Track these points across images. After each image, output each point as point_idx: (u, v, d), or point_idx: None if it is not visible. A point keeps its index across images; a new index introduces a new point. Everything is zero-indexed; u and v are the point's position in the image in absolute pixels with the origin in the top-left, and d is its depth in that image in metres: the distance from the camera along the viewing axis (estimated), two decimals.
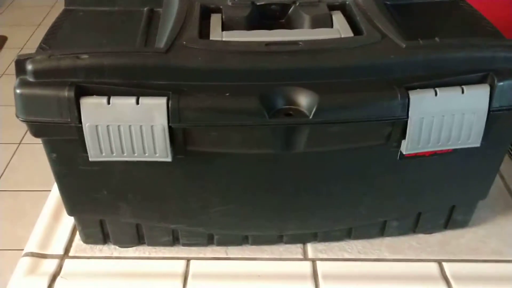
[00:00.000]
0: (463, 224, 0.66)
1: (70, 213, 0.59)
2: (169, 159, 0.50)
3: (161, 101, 0.47)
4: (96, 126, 0.48)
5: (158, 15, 0.63)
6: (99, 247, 0.63)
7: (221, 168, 0.54)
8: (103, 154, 0.50)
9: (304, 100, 0.49)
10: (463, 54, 0.50)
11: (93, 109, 0.48)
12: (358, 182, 0.57)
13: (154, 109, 0.48)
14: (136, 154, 0.50)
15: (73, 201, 0.58)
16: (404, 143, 0.51)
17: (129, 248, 0.63)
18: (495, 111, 0.51)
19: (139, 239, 0.62)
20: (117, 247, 0.63)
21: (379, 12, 0.56)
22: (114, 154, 0.50)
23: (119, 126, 0.48)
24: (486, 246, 0.65)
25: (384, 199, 0.59)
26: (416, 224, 0.64)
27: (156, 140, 0.49)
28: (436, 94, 0.49)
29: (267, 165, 0.54)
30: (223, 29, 0.55)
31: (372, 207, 0.60)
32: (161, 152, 0.50)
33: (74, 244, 0.63)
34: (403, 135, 0.51)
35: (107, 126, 0.48)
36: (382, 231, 0.64)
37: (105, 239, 0.63)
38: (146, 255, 0.63)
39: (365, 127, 0.50)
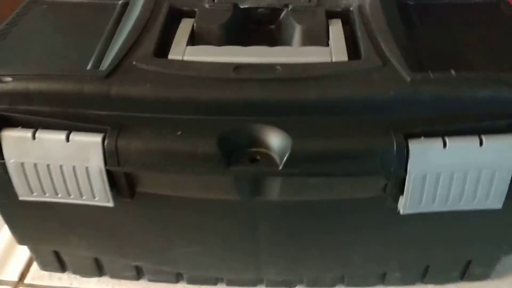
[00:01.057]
0: (483, 277, 0.55)
1: (19, 242, 0.52)
2: (110, 205, 0.42)
3: (96, 139, 0.39)
4: (22, 163, 0.40)
5: None
6: (58, 275, 0.56)
7: (180, 210, 0.45)
8: (34, 193, 0.42)
9: (274, 142, 0.39)
10: (484, 94, 0.38)
11: (16, 143, 0.40)
12: (347, 232, 0.47)
13: (88, 148, 0.39)
14: (72, 196, 0.42)
15: (20, 230, 0.51)
16: (401, 200, 0.41)
17: (91, 278, 0.56)
18: None
19: (100, 271, 0.55)
20: (77, 276, 0.56)
21: (385, 26, 0.44)
22: (47, 195, 0.42)
23: (48, 165, 0.40)
24: None
25: (381, 251, 0.49)
26: (424, 275, 0.53)
27: (93, 183, 0.40)
28: (445, 146, 0.38)
29: (234, 208, 0.45)
30: (191, 42, 0.45)
31: (364, 258, 0.50)
32: (101, 196, 0.41)
33: (32, 270, 0.57)
34: (401, 191, 0.40)
35: (34, 164, 0.40)
36: (382, 280, 0.54)
37: (63, 268, 0.56)
38: (109, 287, 0.56)
39: (351, 180, 0.40)
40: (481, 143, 0.38)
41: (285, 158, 0.38)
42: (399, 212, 0.42)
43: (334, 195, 0.42)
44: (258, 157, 0.39)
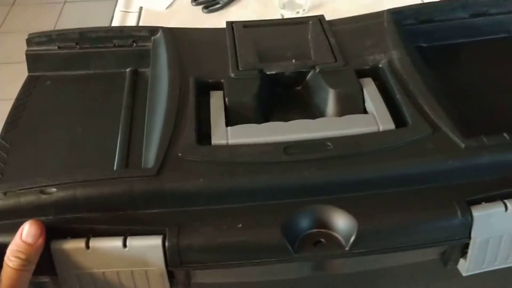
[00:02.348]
0: None
1: None
2: None
3: (156, 242, 0.37)
4: (76, 274, 0.38)
5: (144, 77, 0.52)
6: None
7: None
8: None
9: (338, 223, 0.38)
10: None
11: (69, 256, 0.37)
12: None
13: (148, 252, 0.37)
14: None
15: None
16: (464, 263, 0.41)
17: None
18: None
19: None
20: None
21: (424, 88, 0.44)
22: None
23: (103, 272, 0.38)
24: None
25: None
26: None
27: (153, 284, 0.38)
28: (506, 209, 0.38)
29: (294, 286, 0.44)
30: (227, 119, 0.44)
31: None
32: None
33: None
34: (462, 254, 0.40)
35: (89, 273, 0.38)
36: None
37: None
38: None
39: (416, 251, 0.40)
40: None
41: (352, 239, 0.37)
42: (458, 272, 0.42)
43: (394, 263, 0.42)
44: (323, 240, 0.38)
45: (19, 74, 0.55)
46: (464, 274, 0.41)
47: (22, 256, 0.35)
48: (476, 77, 0.51)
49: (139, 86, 0.51)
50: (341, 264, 0.40)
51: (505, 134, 0.40)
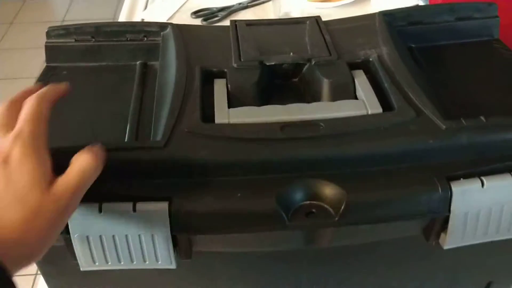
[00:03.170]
0: None
1: None
2: (173, 267, 0.43)
3: (163, 207, 0.40)
4: (87, 236, 0.41)
5: (152, 70, 0.56)
6: None
7: (232, 264, 0.48)
8: (96, 263, 0.43)
9: (329, 196, 0.42)
10: None
11: (82, 218, 0.40)
12: (385, 269, 0.51)
13: (155, 217, 0.40)
14: (135, 263, 0.43)
15: None
16: (444, 237, 0.44)
17: None
18: None
19: None
20: None
21: (410, 78, 0.48)
22: (110, 263, 0.43)
23: (113, 236, 0.41)
24: None
25: (415, 284, 0.53)
26: None
27: (158, 249, 0.42)
28: (483, 185, 0.42)
29: (286, 259, 0.48)
30: (229, 102, 0.48)
31: None
32: (164, 260, 0.43)
33: None
34: (443, 228, 0.44)
35: (100, 236, 0.41)
36: None
37: None
38: None
39: (400, 223, 0.43)
40: None
41: (340, 209, 0.41)
42: (438, 247, 0.45)
43: (379, 238, 0.46)
44: (314, 210, 0.42)
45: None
46: (444, 247, 0.44)
47: (97, 159, 0.36)
48: (459, 74, 0.55)
49: (148, 78, 0.55)
50: (330, 236, 0.44)
51: (481, 117, 0.43)
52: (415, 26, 0.58)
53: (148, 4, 1.19)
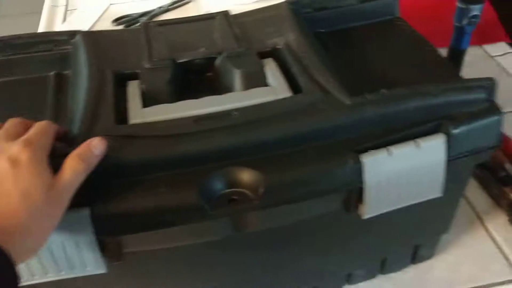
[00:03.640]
0: (429, 257, 0.62)
1: None
2: (103, 271, 0.43)
3: (84, 213, 0.40)
4: None
5: (67, 79, 0.55)
6: None
7: (166, 260, 0.48)
8: (24, 278, 0.42)
9: (247, 181, 0.43)
10: (413, 104, 0.46)
11: None
12: (317, 244, 0.52)
13: (77, 224, 0.40)
14: (63, 273, 0.43)
15: None
16: (362, 207, 0.47)
17: None
18: (453, 160, 0.47)
19: None
20: None
21: (316, 61, 0.50)
22: (36, 277, 0.43)
23: None
24: (461, 274, 0.61)
25: (347, 255, 0.55)
26: (382, 267, 0.60)
27: (85, 255, 0.42)
28: (390, 154, 0.44)
29: (216, 246, 0.48)
30: (144, 103, 0.48)
31: (335, 264, 0.56)
32: (93, 266, 0.43)
33: None
34: (360, 199, 0.46)
35: None
36: (348, 280, 0.60)
37: None
38: None
39: (318, 199, 0.45)
40: (417, 146, 0.45)
41: (260, 192, 0.42)
42: (360, 218, 0.48)
43: (304, 216, 0.47)
44: (235, 197, 0.43)
45: None
46: (364, 217, 0.47)
47: (88, 160, 0.40)
48: (365, 53, 0.58)
49: (62, 87, 0.55)
50: (255, 220, 0.45)
51: (383, 90, 0.46)
52: (321, 11, 0.61)
53: (67, 16, 1.17)
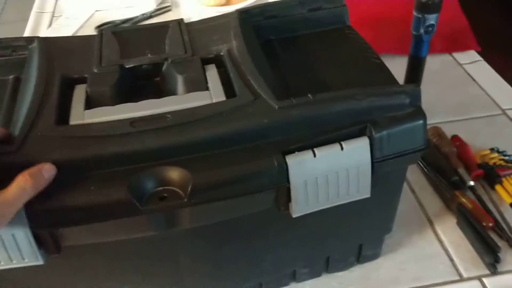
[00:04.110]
0: (374, 257, 0.64)
1: None
2: (41, 262, 0.46)
3: None
4: None
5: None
6: None
7: (106, 254, 0.51)
8: None
9: (177, 179, 0.46)
10: (338, 108, 0.48)
11: None
12: (256, 242, 0.55)
13: (13, 217, 0.43)
14: (2, 263, 0.45)
15: None
16: (291, 206, 0.49)
17: None
18: (379, 162, 0.49)
19: None
20: None
21: (252, 66, 0.53)
22: None
23: None
24: (406, 274, 0.63)
25: (288, 253, 0.57)
26: (327, 266, 0.62)
27: (22, 247, 0.44)
28: (315, 155, 0.46)
29: (155, 242, 0.51)
30: (88, 106, 0.51)
31: (276, 261, 0.58)
32: (30, 257, 0.45)
33: None
34: (289, 199, 0.48)
35: None
36: (293, 278, 0.62)
37: None
38: None
39: (247, 198, 0.47)
40: (342, 148, 0.47)
41: (188, 191, 0.45)
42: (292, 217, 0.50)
43: (236, 214, 0.50)
44: (166, 194, 0.46)
45: None
46: (294, 216, 0.49)
47: (37, 180, 0.42)
48: (313, 60, 0.60)
49: (17, 91, 0.57)
50: (187, 217, 0.47)
51: (309, 95, 0.48)
52: (271, 19, 0.63)
53: (53, 21, 1.20)
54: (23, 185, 0.42)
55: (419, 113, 0.49)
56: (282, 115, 0.47)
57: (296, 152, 0.47)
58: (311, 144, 0.47)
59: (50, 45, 0.59)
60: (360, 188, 0.50)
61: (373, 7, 1.00)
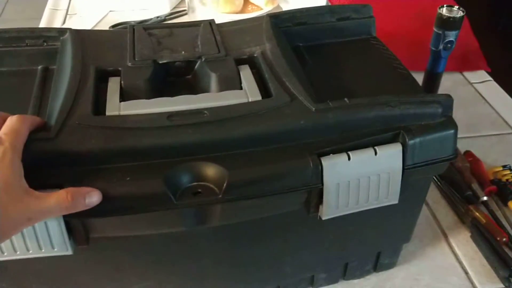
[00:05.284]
0: (390, 266, 0.65)
1: None
2: (69, 253, 0.46)
3: None
4: None
5: (53, 74, 0.58)
6: None
7: (132, 248, 0.50)
8: None
9: (212, 175, 0.46)
10: (373, 113, 0.49)
11: None
12: (280, 244, 0.55)
13: None
14: (31, 252, 0.45)
15: None
16: (321, 209, 0.49)
17: None
18: (409, 169, 0.49)
19: None
20: None
21: (287, 68, 0.53)
22: (5, 254, 0.45)
23: None
24: (419, 284, 0.64)
25: (309, 257, 0.57)
26: (344, 272, 0.62)
27: (52, 235, 0.44)
28: (349, 158, 0.47)
29: (182, 239, 0.51)
30: (122, 98, 0.51)
31: (297, 265, 0.58)
32: (60, 247, 0.45)
33: None
34: (320, 201, 0.49)
35: None
36: (311, 283, 0.62)
37: None
38: None
39: (279, 198, 0.48)
40: (375, 153, 0.48)
41: (223, 187, 0.45)
42: (320, 219, 0.50)
43: (266, 213, 0.50)
44: (200, 190, 0.46)
45: None
46: (323, 218, 0.49)
47: (76, 203, 0.42)
48: (339, 67, 0.61)
49: (48, 81, 0.57)
50: (218, 214, 0.47)
51: (345, 99, 0.49)
52: (300, 26, 0.64)
53: (66, 19, 1.20)
54: (61, 203, 0.41)
55: (451, 123, 0.50)
56: (318, 117, 0.48)
57: (331, 154, 0.47)
58: (345, 147, 0.47)
59: (82, 37, 0.59)
60: (389, 194, 0.50)
61: (383, 24, 1.02)
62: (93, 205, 0.42)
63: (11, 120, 0.43)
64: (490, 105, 0.95)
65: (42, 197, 0.41)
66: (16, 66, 0.59)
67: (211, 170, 0.46)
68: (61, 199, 0.41)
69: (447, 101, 0.50)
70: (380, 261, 0.63)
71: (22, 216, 0.40)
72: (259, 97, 0.51)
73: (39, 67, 0.59)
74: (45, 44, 0.59)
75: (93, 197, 0.42)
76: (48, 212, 0.41)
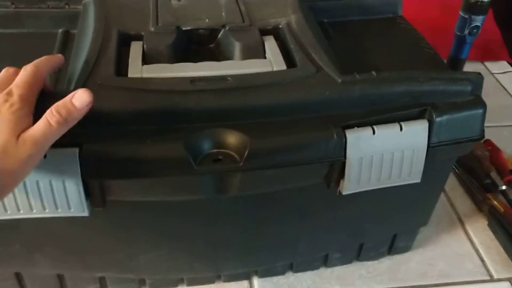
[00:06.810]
0: (406, 249, 0.64)
1: None
2: (86, 214, 0.45)
3: (73, 153, 0.42)
4: None
5: (73, 38, 0.57)
6: None
7: (147, 215, 0.50)
8: (8, 212, 0.44)
9: (234, 143, 0.45)
10: (400, 88, 0.47)
11: None
12: (296, 220, 0.54)
13: (65, 163, 0.42)
14: (47, 211, 0.44)
15: None
16: (342, 183, 0.48)
17: None
18: (434, 147, 0.48)
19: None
20: None
21: (313, 40, 0.52)
22: (21, 212, 0.44)
23: (24, 183, 0.43)
24: (434, 269, 0.63)
25: (325, 235, 0.56)
26: (359, 253, 0.62)
27: (70, 195, 0.43)
28: (374, 133, 0.46)
29: (198, 208, 0.50)
30: (144, 62, 0.50)
31: (312, 243, 0.57)
32: (77, 207, 0.44)
33: None
34: (341, 175, 0.48)
35: None
36: (324, 262, 0.61)
37: None
38: None
39: (301, 169, 0.47)
40: (401, 129, 0.46)
41: (244, 155, 0.44)
42: (339, 194, 0.49)
43: (286, 185, 0.49)
44: (221, 157, 0.45)
45: None
46: (343, 193, 0.48)
47: (64, 114, 0.39)
48: (364, 44, 0.60)
49: (69, 44, 0.57)
50: (237, 183, 0.46)
51: (373, 72, 0.48)
52: (326, 1, 0.63)
53: None
54: (49, 121, 0.38)
55: (480, 102, 0.49)
56: (344, 89, 0.47)
57: (355, 127, 0.46)
58: (371, 121, 0.46)
59: (105, 0, 0.58)
60: (412, 172, 0.49)
61: (404, 8, 1.01)
62: (88, 104, 0.40)
63: (25, 71, 0.41)
64: (511, 95, 0.93)
65: (29, 129, 0.38)
66: (37, 28, 0.58)
67: (232, 138, 0.45)
68: (48, 120, 0.38)
69: (477, 79, 0.49)
70: (396, 244, 0.62)
71: (23, 156, 0.37)
72: (284, 67, 0.49)
73: (60, 30, 0.58)
74: (67, 6, 0.58)
75: (82, 97, 0.40)
76: (43, 137, 0.38)
